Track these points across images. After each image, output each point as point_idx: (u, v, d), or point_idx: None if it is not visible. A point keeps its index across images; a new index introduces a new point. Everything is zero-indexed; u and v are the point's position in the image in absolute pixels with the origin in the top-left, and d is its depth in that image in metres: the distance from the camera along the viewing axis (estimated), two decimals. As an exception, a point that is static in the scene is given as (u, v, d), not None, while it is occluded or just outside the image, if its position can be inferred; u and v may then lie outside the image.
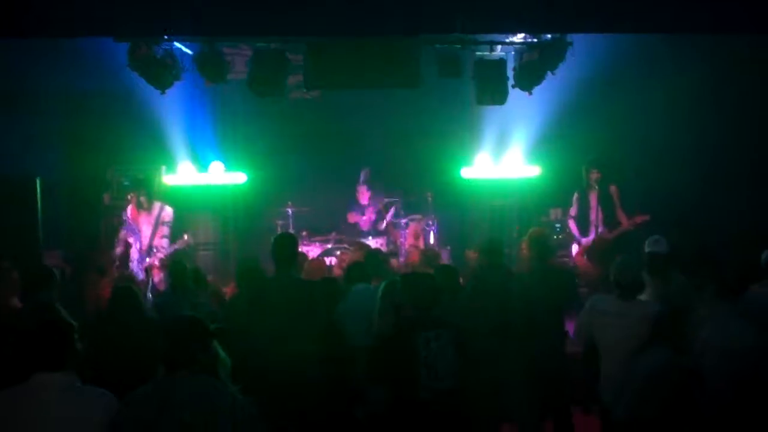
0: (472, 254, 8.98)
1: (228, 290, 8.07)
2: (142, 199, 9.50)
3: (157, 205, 9.60)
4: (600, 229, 9.87)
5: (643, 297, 5.79)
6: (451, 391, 4.95)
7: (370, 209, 11.47)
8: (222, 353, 3.91)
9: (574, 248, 10.24)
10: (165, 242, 9.51)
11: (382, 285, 5.86)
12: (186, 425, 3.54)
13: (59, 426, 3.62)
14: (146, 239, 9.45)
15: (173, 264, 7.54)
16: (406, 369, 4.89)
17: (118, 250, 9.45)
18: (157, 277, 9.15)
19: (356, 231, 11.32)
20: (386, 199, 11.63)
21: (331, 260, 10.39)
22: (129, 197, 9.60)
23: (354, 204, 11.50)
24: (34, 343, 3.76)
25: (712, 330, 4.94)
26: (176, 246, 9.51)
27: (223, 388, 3.70)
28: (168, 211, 9.63)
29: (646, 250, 6.69)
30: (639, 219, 9.61)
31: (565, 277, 6.91)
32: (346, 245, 10.82)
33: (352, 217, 11.45)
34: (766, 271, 5.97)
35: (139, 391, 3.67)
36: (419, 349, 4.89)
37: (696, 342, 4.88)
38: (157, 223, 9.50)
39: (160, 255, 9.37)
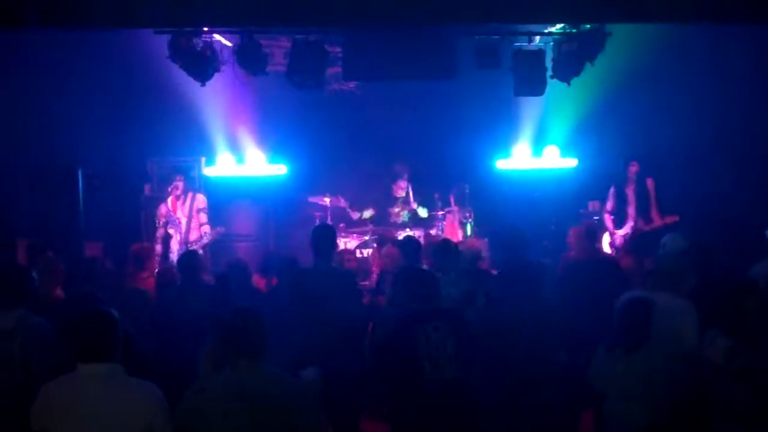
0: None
1: (262, 283, 8.10)
2: (180, 189, 9.60)
3: (188, 194, 9.68)
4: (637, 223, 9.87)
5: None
6: (454, 381, 4.97)
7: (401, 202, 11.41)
8: None
9: (605, 239, 10.19)
10: (207, 229, 9.62)
11: None
12: (254, 415, 3.62)
13: (104, 417, 3.67)
14: (185, 230, 9.54)
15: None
16: (407, 362, 4.93)
17: (158, 248, 9.51)
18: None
19: (391, 224, 11.28)
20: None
21: (367, 252, 10.43)
22: (170, 189, 9.68)
23: (388, 198, 11.45)
24: (79, 333, 3.81)
25: None
26: (211, 237, 9.61)
27: (290, 379, 3.79)
28: (200, 198, 9.71)
29: (664, 249, 6.71)
30: (669, 219, 9.63)
31: (610, 268, 6.88)
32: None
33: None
34: None
35: (207, 380, 3.77)
36: (420, 342, 4.93)
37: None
38: (191, 212, 9.58)
39: (201, 244, 9.47)
